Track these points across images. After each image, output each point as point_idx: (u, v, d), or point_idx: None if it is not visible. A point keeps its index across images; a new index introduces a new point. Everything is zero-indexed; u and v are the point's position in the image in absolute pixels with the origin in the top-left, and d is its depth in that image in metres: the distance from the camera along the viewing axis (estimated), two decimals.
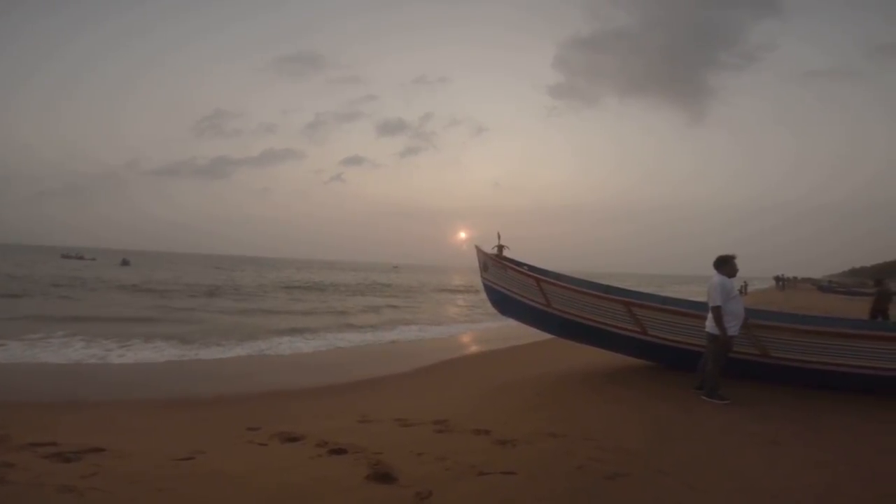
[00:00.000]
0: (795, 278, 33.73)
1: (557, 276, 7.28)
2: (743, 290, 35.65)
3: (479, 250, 7.60)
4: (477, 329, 16.35)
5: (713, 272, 5.28)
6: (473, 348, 12.43)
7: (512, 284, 6.98)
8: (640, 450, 3.74)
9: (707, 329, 5.17)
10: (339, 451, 3.71)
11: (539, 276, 6.72)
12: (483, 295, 8.39)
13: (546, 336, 7.95)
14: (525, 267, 7.31)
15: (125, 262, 58.33)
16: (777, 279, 45.24)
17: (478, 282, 8.67)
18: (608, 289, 7.42)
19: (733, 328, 5.05)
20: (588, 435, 4.00)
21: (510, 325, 11.39)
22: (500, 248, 7.38)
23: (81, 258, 62.12)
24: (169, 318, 15.20)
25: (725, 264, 5.30)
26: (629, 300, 6.09)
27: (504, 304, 7.32)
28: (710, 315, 5.16)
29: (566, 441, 3.85)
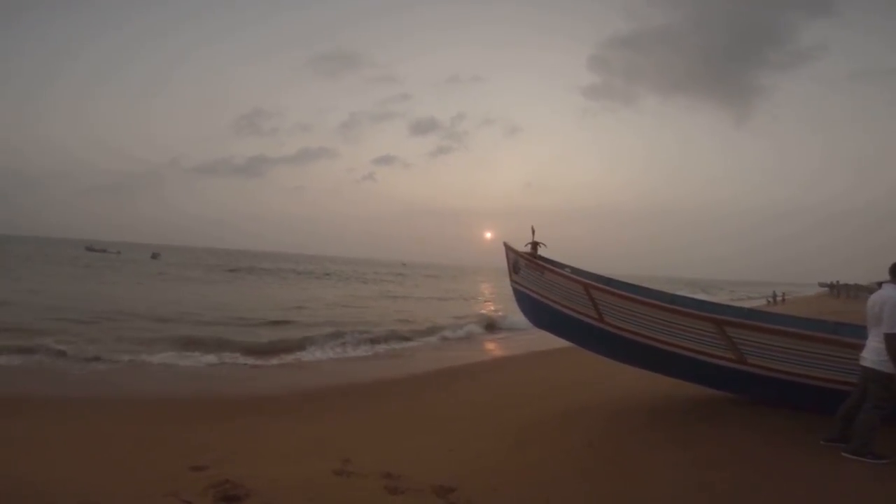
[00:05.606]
0: (858, 285, 29.95)
1: (610, 282, 5.71)
2: (777, 299, 31.78)
3: (508, 248, 6.04)
4: (499, 336, 14.78)
5: (888, 283, 3.61)
6: (496, 362, 10.79)
7: (550, 291, 5.40)
8: None
9: (867, 363, 3.57)
10: None
11: (588, 282, 5.12)
12: (512, 301, 6.83)
13: None
14: (568, 269, 5.74)
15: (155, 256, 59.14)
16: (831, 286, 41.51)
17: (504, 284, 7.25)
18: (674, 298, 5.80)
19: None
20: None
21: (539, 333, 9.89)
22: (535, 245, 5.83)
23: (105, 251, 62.32)
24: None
25: None
26: (723, 318, 4.43)
27: (539, 314, 5.73)
28: (871, 344, 3.57)
29: None
